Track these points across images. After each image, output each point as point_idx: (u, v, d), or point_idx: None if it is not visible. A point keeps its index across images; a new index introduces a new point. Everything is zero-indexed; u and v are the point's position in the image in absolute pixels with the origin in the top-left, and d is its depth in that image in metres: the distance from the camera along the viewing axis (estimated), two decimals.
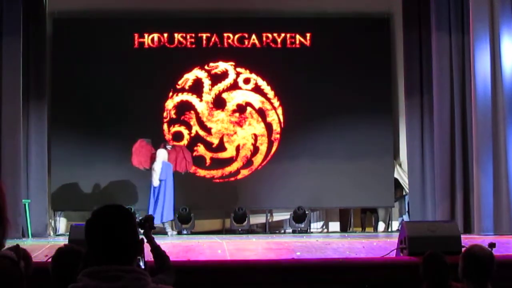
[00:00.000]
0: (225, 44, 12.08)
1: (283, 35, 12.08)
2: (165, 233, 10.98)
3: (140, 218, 3.71)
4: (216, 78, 12.10)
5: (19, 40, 10.54)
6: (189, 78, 12.06)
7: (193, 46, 12.05)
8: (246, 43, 12.09)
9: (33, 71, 11.03)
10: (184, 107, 12.04)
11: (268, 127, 12.09)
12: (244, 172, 12.01)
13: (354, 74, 11.94)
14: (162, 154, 10.75)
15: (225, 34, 12.05)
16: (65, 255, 3.49)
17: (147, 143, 11.06)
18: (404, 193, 11.91)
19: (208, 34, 12.01)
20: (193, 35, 12.02)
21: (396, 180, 11.90)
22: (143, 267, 3.55)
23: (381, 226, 12.02)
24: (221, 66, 12.10)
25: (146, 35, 11.95)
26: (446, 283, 3.97)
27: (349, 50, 11.99)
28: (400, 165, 11.92)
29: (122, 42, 11.92)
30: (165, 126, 11.96)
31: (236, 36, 12.07)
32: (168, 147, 10.97)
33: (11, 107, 10.46)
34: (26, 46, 10.80)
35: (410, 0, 11.61)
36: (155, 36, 11.98)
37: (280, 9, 12.05)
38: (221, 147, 11.99)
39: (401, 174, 11.84)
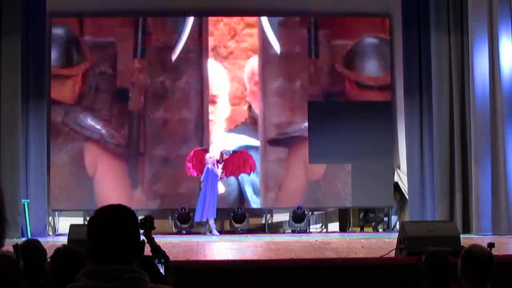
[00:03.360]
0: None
1: None
2: (165, 233, 11.01)
3: (141, 218, 3.71)
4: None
5: (19, 40, 10.54)
6: None
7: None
8: None
9: (33, 71, 11.03)
10: None
11: None
12: None
13: (354, 74, 11.93)
14: (208, 160, 11.20)
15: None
16: (63, 255, 3.49)
17: (202, 151, 11.46)
18: (400, 198, 11.87)
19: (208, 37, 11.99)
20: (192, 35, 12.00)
21: (396, 184, 11.86)
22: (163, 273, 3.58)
23: (381, 227, 12.02)
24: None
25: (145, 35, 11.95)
26: (448, 283, 3.96)
27: (348, 50, 11.99)
28: (399, 167, 11.89)
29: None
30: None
31: None
32: (225, 152, 11.44)
33: (11, 106, 10.46)
34: (26, 46, 10.80)
35: (409, 0, 11.62)
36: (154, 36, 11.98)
37: (279, 8, 12.04)
38: None
39: (401, 178, 11.79)
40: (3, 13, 10.49)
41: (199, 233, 11.04)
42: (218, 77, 11.95)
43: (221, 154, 11.45)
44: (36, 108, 11.08)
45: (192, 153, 11.41)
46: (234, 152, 11.62)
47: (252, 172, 11.64)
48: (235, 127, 11.93)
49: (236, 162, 11.55)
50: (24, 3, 10.71)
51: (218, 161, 11.33)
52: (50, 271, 3.43)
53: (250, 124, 11.94)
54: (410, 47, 11.54)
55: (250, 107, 11.98)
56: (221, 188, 11.59)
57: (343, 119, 11.81)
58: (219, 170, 11.26)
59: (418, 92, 11.48)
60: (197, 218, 11.07)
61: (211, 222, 11.01)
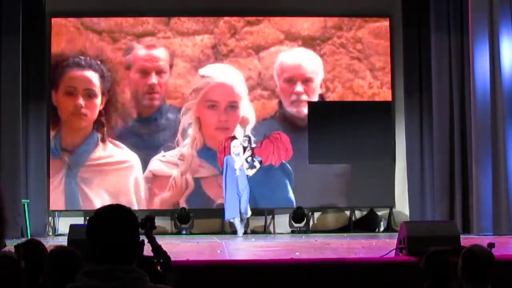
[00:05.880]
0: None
1: None
2: (165, 233, 11.00)
3: (141, 218, 3.71)
4: None
5: (19, 40, 10.54)
6: None
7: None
8: None
9: (33, 71, 11.03)
10: None
11: None
12: None
13: (354, 74, 11.94)
14: (232, 149, 10.55)
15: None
16: (58, 256, 3.47)
17: (231, 139, 10.88)
18: None
19: (208, 35, 11.97)
20: (193, 37, 11.98)
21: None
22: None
23: (381, 226, 12.00)
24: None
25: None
26: (448, 283, 3.96)
27: (348, 50, 12.00)
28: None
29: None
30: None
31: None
32: (245, 139, 10.74)
33: (11, 106, 10.47)
34: (26, 46, 10.80)
35: (409, 0, 11.63)
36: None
37: (279, 9, 12.03)
38: None
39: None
40: (3, 13, 10.50)
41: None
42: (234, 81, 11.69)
43: (249, 138, 10.79)
44: (36, 108, 11.08)
45: (222, 141, 10.99)
46: (268, 136, 11.18)
47: (281, 162, 11.05)
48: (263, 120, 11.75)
49: (274, 148, 11.05)
50: (24, 3, 10.71)
51: (245, 148, 10.64)
52: (46, 272, 3.42)
53: (278, 119, 11.79)
54: (410, 47, 11.55)
55: (280, 103, 11.79)
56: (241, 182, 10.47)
57: (343, 119, 11.80)
58: (240, 159, 10.51)
59: (418, 92, 11.49)
60: (225, 217, 10.58)
61: (236, 221, 10.46)
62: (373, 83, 11.99)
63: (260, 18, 12.01)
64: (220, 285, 5.57)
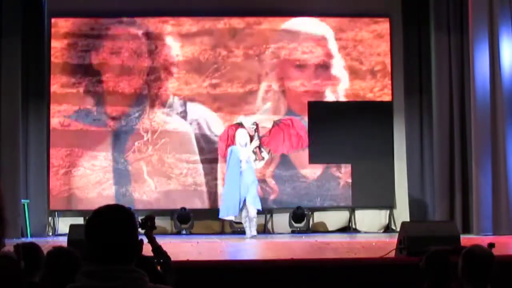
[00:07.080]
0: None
1: None
2: (165, 233, 10.99)
3: (141, 217, 3.71)
4: None
5: (19, 40, 10.55)
6: None
7: None
8: None
9: (33, 71, 11.04)
10: None
11: None
12: None
13: (354, 74, 11.94)
14: (237, 138, 9.74)
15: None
16: (57, 256, 3.46)
17: (236, 126, 10.12)
18: None
19: (207, 36, 11.98)
20: (193, 38, 11.98)
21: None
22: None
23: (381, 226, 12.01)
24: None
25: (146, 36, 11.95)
26: (448, 283, 3.97)
27: (348, 49, 11.99)
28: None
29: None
30: None
31: None
32: (252, 126, 9.89)
33: (11, 106, 10.48)
34: (26, 46, 10.80)
35: (409, 0, 11.63)
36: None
37: (278, 9, 12.03)
38: None
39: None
40: (3, 13, 10.51)
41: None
42: None
43: (257, 126, 9.96)
44: (36, 108, 11.09)
45: (226, 129, 10.41)
46: (278, 123, 10.65)
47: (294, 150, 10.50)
48: None
49: (284, 135, 10.41)
50: (24, 3, 10.72)
51: (252, 137, 9.77)
52: (46, 273, 3.41)
53: None
54: (410, 47, 11.55)
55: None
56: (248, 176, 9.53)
57: (343, 119, 11.80)
58: (247, 150, 9.65)
59: (418, 92, 11.49)
60: (220, 214, 9.87)
61: (244, 222, 9.74)
62: (373, 83, 11.98)
63: (260, 18, 12.00)
64: (220, 285, 5.58)
